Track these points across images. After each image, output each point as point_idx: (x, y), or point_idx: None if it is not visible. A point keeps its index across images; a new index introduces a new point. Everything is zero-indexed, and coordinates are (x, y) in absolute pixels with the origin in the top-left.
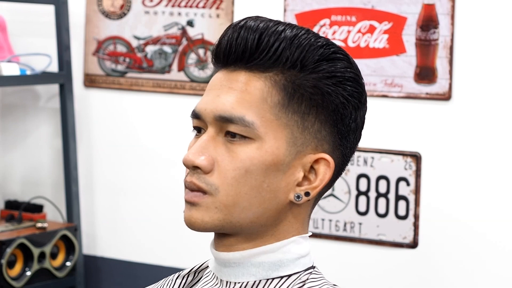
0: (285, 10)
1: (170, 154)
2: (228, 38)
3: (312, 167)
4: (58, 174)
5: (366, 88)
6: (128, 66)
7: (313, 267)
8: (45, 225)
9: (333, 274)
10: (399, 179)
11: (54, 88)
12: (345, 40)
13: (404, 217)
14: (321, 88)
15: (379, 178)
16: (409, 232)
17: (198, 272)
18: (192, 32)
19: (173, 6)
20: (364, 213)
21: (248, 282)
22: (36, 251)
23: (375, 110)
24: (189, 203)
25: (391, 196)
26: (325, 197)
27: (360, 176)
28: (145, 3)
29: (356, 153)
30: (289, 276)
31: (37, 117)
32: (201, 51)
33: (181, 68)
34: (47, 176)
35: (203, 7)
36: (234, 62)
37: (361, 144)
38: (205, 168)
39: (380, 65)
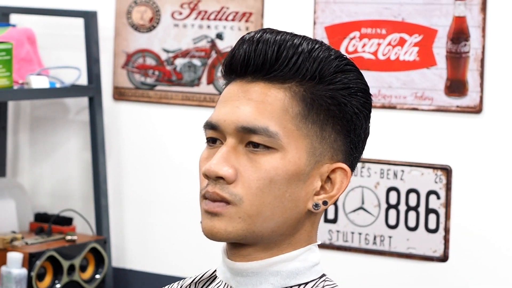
0: (314, 23)
1: (198, 167)
2: (246, 50)
3: (328, 177)
4: (87, 187)
5: (396, 101)
6: (157, 79)
7: (324, 274)
8: (75, 237)
9: (363, 287)
10: (429, 193)
11: (84, 101)
12: (375, 53)
13: (434, 231)
14: (337, 99)
15: (409, 191)
16: (439, 245)
17: (198, 283)
18: (221, 45)
19: (202, 19)
20: (394, 227)
21: None
22: (65, 264)
23: (405, 123)
24: (210, 213)
25: (421, 209)
26: (354, 211)
27: (390, 189)
28: (174, 16)
29: (386, 166)
30: (306, 283)
31: (67, 130)
32: None
33: (210, 81)
34: (76, 189)
35: (232, 20)
36: (252, 74)
37: (391, 157)
38: (229, 178)
39: (410, 78)
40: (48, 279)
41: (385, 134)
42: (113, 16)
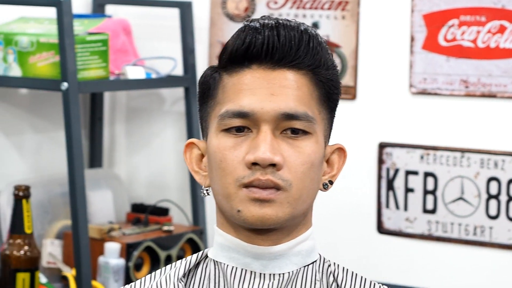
0: (412, 11)
1: None
2: (268, 36)
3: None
4: (183, 178)
5: (496, 89)
6: None
7: None
8: (171, 228)
9: (463, 279)
10: None
11: (179, 91)
12: (474, 41)
13: None
14: (336, 81)
15: (510, 181)
16: None
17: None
18: None
19: (298, 8)
20: (495, 217)
21: (292, 271)
22: (162, 254)
23: (506, 112)
24: (260, 200)
25: None
26: (454, 201)
27: (490, 179)
28: (269, 5)
29: (486, 156)
30: (316, 260)
31: (162, 120)
32: None
33: None
34: (172, 180)
35: (329, 8)
36: (275, 61)
37: (492, 146)
38: (281, 165)
39: (510, 66)
40: (145, 270)
41: (485, 123)
42: (208, 6)
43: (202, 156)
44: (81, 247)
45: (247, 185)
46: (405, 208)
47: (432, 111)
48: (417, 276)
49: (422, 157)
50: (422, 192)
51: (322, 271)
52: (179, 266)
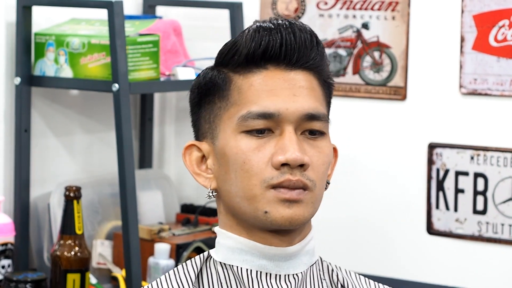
0: (462, 11)
1: (347, 157)
2: (284, 37)
3: None
4: None
5: None
6: None
7: None
8: None
9: None
10: None
11: None
12: None
13: None
14: (332, 79)
15: None
16: None
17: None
18: (367, 34)
19: (348, 8)
20: None
21: (304, 271)
22: None
23: None
24: (289, 201)
25: None
26: (505, 202)
27: None
28: (319, 6)
29: None
30: (317, 260)
31: None
32: (376, 54)
33: (356, 71)
34: None
35: (379, 9)
36: (291, 61)
37: None
38: (309, 165)
39: None
40: None
41: None
42: (258, 7)
43: (202, 158)
44: (131, 248)
45: (276, 186)
46: (455, 209)
47: (482, 111)
48: (466, 277)
49: (472, 158)
50: (472, 193)
51: (323, 270)
52: (187, 271)
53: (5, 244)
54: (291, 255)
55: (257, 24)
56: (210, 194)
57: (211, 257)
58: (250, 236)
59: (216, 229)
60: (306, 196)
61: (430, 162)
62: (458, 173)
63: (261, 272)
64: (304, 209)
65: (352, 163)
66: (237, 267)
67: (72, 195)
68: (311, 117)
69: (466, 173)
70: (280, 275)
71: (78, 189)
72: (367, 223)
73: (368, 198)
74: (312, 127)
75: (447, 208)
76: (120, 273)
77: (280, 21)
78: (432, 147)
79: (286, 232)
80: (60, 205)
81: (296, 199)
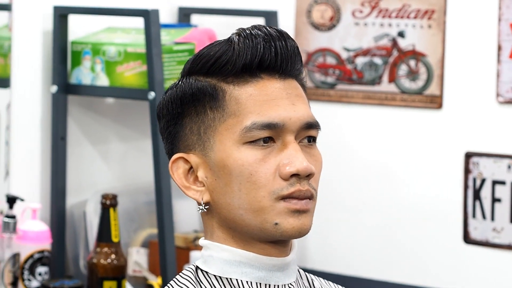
0: (499, 20)
1: (382, 166)
2: (279, 47)
3: None
4: None
5: None
6: (337, 78)
7: None
8: None
9: None
10: None
11: None
12: None
13: None
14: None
15: None
16: None
17: None
18: (403, 43)
19: (383, 17)
20: None
21: (295, 279)
22: None
23: None
24: (299, 211)
25: None
26: None
27: None
28: (355, 14)
29: None
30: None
31: None
32: (412, 62)
33: (392, 79)
34: None
35: (415, 17)
36: (287, 70)
37: None
38: (314, 174)
39: None
40: None
41: None
42: (293, 15)
43: (189, 170)
44: (167, 256)
45: (286, 197)
46: (492, 218)
47: None
48: (503, 287)
49: (509, 167)
50: (510, 202)
51: (302, 277)
52: (187, 285)
53: (42, 251)
54: (287, 265)
55: (244, 32)
56: (202, 208)
57: (201, 270)
58: (248, 248)
59: (205, 242)
60: (311, 205)
61: (467, 171)
62: (495, 182)
63: (260, 283)
64: (309, 218)
65: (388, 172)
66: (236, 280)
67: (109, 203)
68: (310, 125)
69: (503, 182)
70: (278, 286)
71: (114, 197)
72: (403, 232)
73: (405, 207)
74: (310, 134)
75: (484, 217)
76: (155, 281)
77: (267, 29)
78: (468, 156)
79: (283, 242)
80: (95, 212)
81: (305, 209)
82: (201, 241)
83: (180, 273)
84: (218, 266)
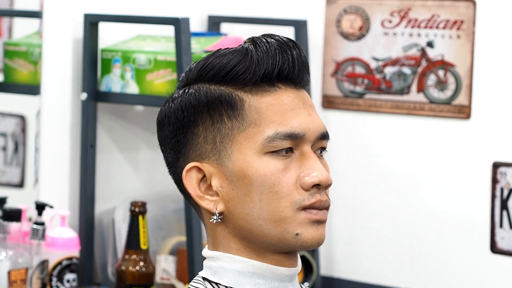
0: None
1: (410, 176)
2: (296, 57)
3: None
4: None
5: None
6: (366, 88)
7: None
8: None
9: None
10: None
11: None
12: None
13: None
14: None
15: None
16: None
17: None
18: (431, 53)
19: (412, 27)
20: None
21: None
22: None
23: None
24: (317, 222)
25: None
26: None
27: None
28: (384, 24)
29: None
30: None
31: None
32: (441, 72)
33: (420, 89)
34: None
35: (444, 28)
36: (301, 80)
37: None
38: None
39: None
40: None
41: None
42: (322, 25)
43: (201, 179)
44: (195, 264)
45: (307, 207)
46: None
47: None
48: None
49: None
50: None
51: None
52: None
53: (70, 258)
54: (295, 275)
55: (259, 41)
56: (217, 218)
57: (209, 281)
58: (261, 259)
59: (214, 253)
60: (327, 216)
61: (494, 181)
62: None
63: None
64: (325, 228)
65: (416, 181)
66: None
67: (138, 210)
68: (324, 136)
69: None
70: None
71: (143, 205)
72: (430, 242)
73: (432, 216)
74: (323, 145)
75: (511, 227)
76: None
77: (280, 38)
78: (496, 166)
79: (294, 252)
80: (124, 220)
81: (324, 219)
82: (208, 252)
83: (189, 286)
84: (231, 278)
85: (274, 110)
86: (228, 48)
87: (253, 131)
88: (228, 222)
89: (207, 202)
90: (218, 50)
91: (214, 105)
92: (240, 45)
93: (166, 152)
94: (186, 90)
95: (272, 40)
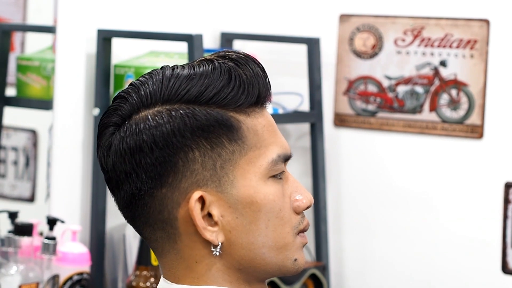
0: None
1: (422, 195)
2: (261, 75)
3: None
4: (307, 212)
5: None
6: (378, 106)
7: None
8: None
9: None
10: None
11: (305, 127)
12: None
13: None
14: None
15: None
16: None
17: None
18: (444, 72)
19: (426, 46)
20: None
21: None
22: None
23: None
24: (304, 246)
25: None
26: None
27: None
28: (397, 43)
29: None
30: None
31: None
32: (453, 92)
33: (433, 108)
34: None
35: (457, 47)
36: (266, 101)
37: None
38: None
39: None
40: None
41: None
42: (335, 43)
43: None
44: None
45: (300, 231)
46: None
47: None
48: None
49: None
50: None
51: None
52: None
53: (81, 273)
54: None
55: (234, 59)
56: (219, 250)
57: None
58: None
59: None
60: None
61: (507, 201)
62: None
63: None
64: None
65: (427, 200)
66: None
67: None
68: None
69: None
70: None
71: None
72: (442, 262)
73: (443, 236)
74: (286, 166)
75: None
76: None
77: (242, 54)
78: (508, 186)
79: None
80: (135, 235)
81: (306, 243)
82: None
83: None
84: None
85: (268, 131)
86: (204, 68)
87: (254, 154)
88: (225, 254)
89: (210, 234)
90: (197, 71)
91: (213, 129)
92: (204, 65)
93: (140, 178)
94: (172, 113)
95: (238, 55)
